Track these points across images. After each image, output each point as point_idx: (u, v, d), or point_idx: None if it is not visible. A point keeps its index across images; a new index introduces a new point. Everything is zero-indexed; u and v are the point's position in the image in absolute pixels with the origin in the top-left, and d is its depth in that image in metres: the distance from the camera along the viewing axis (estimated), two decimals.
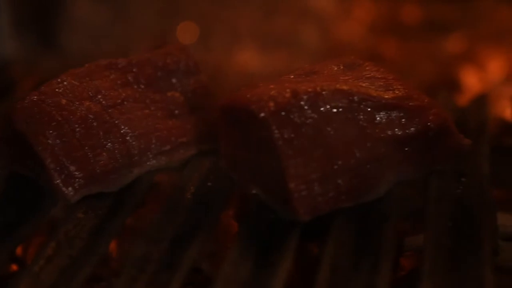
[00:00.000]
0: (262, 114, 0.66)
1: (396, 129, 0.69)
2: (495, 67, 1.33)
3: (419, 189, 0.71)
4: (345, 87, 0.69)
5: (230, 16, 1.51)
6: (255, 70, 1.42)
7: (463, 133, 0.79)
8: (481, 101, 0.89)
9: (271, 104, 0.67)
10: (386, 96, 0.69)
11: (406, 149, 0.70)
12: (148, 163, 0.73)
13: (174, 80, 0.77)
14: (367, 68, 0.74)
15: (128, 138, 0.72)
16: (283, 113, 0.66)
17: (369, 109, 0.69)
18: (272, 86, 0.69)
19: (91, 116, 0.70)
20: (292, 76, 0.72)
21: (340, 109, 0.68)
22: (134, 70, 0.75)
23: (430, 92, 1.27)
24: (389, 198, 0.69)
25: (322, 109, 0.67)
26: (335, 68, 0.74)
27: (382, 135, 0.69)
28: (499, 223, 0.75)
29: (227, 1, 1.53)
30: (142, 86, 0.75)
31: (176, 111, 0.76)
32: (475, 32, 1.43)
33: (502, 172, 0.77)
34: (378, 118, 0.69)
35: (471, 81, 1.30)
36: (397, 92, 0.70)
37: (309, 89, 0.68)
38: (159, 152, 0.74)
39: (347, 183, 0.67)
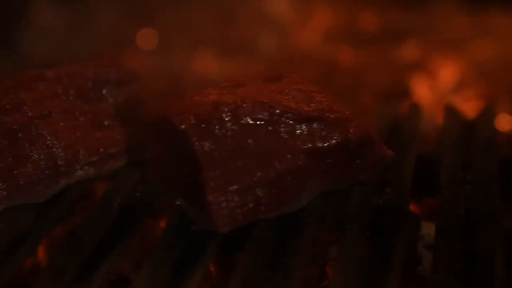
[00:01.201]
0: (183, 126, 0.67)
1: (317, 141, 0.70)
2: (447, 75, 1.34)
3: (342, 199, 0.72)
4: (266, 100, 0.70)
5: (190, 22, 1.52)
6: (213, 76, 1.43)
7: (394, 142, 0.80)
8: (415, 110, 0.91)
9: (192, 116, 0.68)
10: (307, 109, 0.70)
11: (328, 160, 0.71)
12: (76, 174, 0.74)
13: (104, 91, 0.78)
14: (292, 80, 0.75)
15: (54, 149, 0.72)
16: (203, 125, 0.67)
17: (290, 121, 0.70)
18: (195, 99, 0.70)
19: (16, 127, 0.71)
20: (218, 88, 0.73)
21: (261, 121, 0.69)
22: (63, 81, 0.76)
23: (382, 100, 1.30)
24: (311, 209, 0.70)
25: (242, 121, 0.68)
26: (261, 80, 0.75)
27: (303, 147, 0.70)
28: (423, 232, 0.77)
29: (187, 8, 1.55)
30: (71, 97, 0.76)
31: (106, 122, 0.77)
32: (430, 40, 1.44)
33: (428, 181, 0.78)
34: (299, 130, 0.70)
35: (423, 90, 1.32)
36: (318, 104, 0.71)
37: (230, 102, 0.69)
38: (87, 163, 0.75)
39: (267, 195, 0.68)
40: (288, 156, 0.69)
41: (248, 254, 0.65)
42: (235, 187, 0.67)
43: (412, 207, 0.80)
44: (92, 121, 0.76)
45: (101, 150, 0.75)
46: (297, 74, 0.76)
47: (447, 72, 1.36)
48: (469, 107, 1.05)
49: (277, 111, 0.69)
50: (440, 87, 1.33)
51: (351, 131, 0.71)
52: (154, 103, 0.77)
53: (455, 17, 1.48)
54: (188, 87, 1.30)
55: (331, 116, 0.71)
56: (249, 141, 0.68)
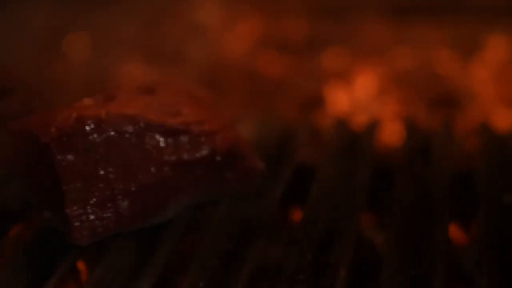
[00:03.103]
0: (44, 139, 0.68)
1: (183, 154, 0.71)
2: (367, 84, 1.36)
3: (211, 211, 0.73)
4: (131, 113, 0.70)
5: (118, 29, 1.53)
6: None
7: (279, 153, 0.81)
8: (303, 122, 0.92)
9: (53, 129, 0.68)
10: (173, 122, 0.71)
11: (196, 172, 0.72)
12: None
13: None
14: (164, 93, 0.75)
15: None
16: (65, 138, 0.68)
17: (155, 134, 0.70)
18: (59, 111, 0.70)
19: None
20: (87, 101, 0.73)
21: (125, 134, 0.70)
22: None
23: (303, 109, 1.31)
24: (178, 221, 0.71)
25: (106, 134, 0.69)
26: (133, 93, 0.75)
27: (169, 159, 0.70)
28: None
29: (115, 14, 1.55)
30: None
31: None
32: (352, 49, 1.46)
33: (302, 192, 0.79)
34: (164, 143, 0.70)
35: (342, 98, 1.33)
36: (186, 117, 0.72)
37: (93, 115, 0.69)
38: None
39: (130, 207, 0.69)
40: (152, 169, 0.70)
41: (103, 267, 0.65)
42: (95, 200, 0.68)
43: (290, 217, 0.81)
44: None
45: None
46: (172, 85, 0.77)
47: (367, 81, 1.38)
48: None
49: (142, 124, 0.70)
50: (359, 95, 1.35)
51: (218, 144, 0.72)
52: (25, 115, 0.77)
53: (377, 26, 1.50)
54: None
55: (197, 129, 0.72)
56: (113, 154, 0.69)
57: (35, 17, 1.52)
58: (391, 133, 1.08)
